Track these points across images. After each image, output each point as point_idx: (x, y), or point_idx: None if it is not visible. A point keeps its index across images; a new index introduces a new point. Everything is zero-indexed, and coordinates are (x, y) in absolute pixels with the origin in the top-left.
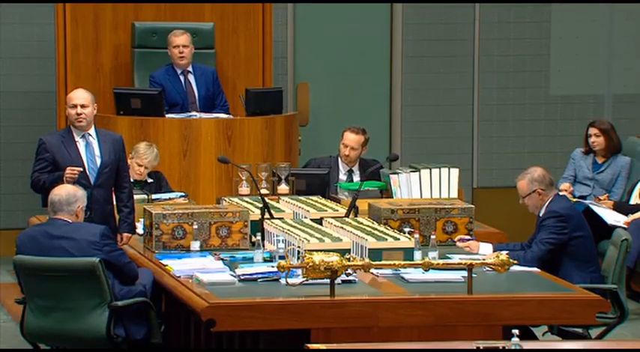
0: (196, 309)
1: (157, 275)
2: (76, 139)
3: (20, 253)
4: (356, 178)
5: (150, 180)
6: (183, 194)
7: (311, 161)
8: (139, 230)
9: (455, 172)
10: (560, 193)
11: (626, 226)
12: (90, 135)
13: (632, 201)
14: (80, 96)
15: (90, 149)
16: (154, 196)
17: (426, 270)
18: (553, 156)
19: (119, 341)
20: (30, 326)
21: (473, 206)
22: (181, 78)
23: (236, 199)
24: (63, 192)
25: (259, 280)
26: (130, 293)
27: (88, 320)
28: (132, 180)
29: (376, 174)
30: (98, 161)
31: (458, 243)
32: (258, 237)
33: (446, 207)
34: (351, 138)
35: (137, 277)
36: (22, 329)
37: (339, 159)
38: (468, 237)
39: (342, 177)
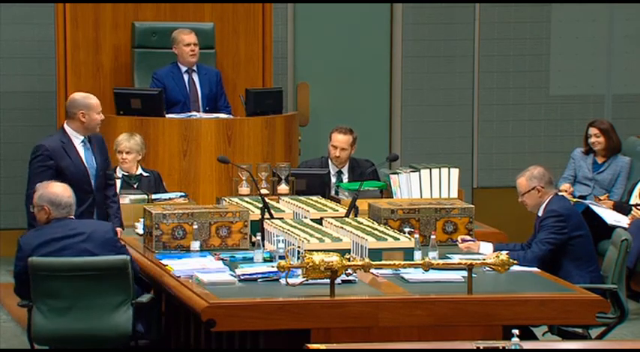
0: (196, 309)
1: (157, 275)
2: (76, 145)
3: (29, 255)
4: (345, 179)
5: (146, 174)
6: (183, 194)
7: (303, 163)
8: (139, 230)
9: (455, 172)
10: (560, 193)
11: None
12: (87, 139)
13: (632, 201)
14: None
15: (88, 154)
16: (154, 196)
17: (426, 270)
18: (553, 156)
19: (138, 337)
20: (41, 329)
21: (473, 206)
22: (185, 76)
23: (236, 199)
24: (69, 192)
25: (259, 280)
26: (140, 291)
27: (114, 318)
28: (125, 174)
29: (371, 174)
30: (95, 165)
31: (460, 245)
32: (258, 237)
33: (446, 207)
34: (340, 139)
35: (139, 273)
36: (29, 333)
37: (330, 160)
38: (469, 238)
39: (332, 178)
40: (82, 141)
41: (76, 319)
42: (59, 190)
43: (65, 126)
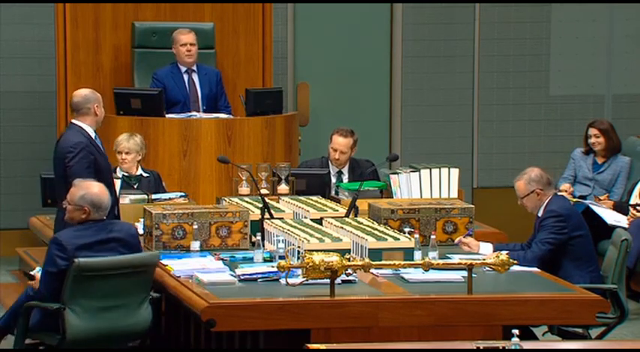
0: (196, 309)
1: (157, 275)
2: (94, 138)
3: (72, 256)
4: (345, 179)
5: (145, 175)
6: (183, 194)
7: (303, 163)
8: (139, 230)
9: (455, 172)
10: (560, 193)
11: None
12: (97, 134)
13: (632, 201)
14: None
15: (102, 149)
16: (154, 196)
17: (426, 270)
18: (553, 156)
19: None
20: (76, 331)
21: (473, 206)
22: (185, 77)
23: (236, 199)
24: (108, 193)
25: (259, 280)
26: None
27: (140, 313)
28: (125, 174)
29: (371, 175)
30: (108, 160)
31: (457, 241)
32: (258, 237)
33: (446, 207)
34: (340, 142)
35: None
36: (24, 335)
37: (330, 161)
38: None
39: (332, 178)
40: (95, 137)
41: (109, 317)
42: (99, 191)
43: (78, 123)
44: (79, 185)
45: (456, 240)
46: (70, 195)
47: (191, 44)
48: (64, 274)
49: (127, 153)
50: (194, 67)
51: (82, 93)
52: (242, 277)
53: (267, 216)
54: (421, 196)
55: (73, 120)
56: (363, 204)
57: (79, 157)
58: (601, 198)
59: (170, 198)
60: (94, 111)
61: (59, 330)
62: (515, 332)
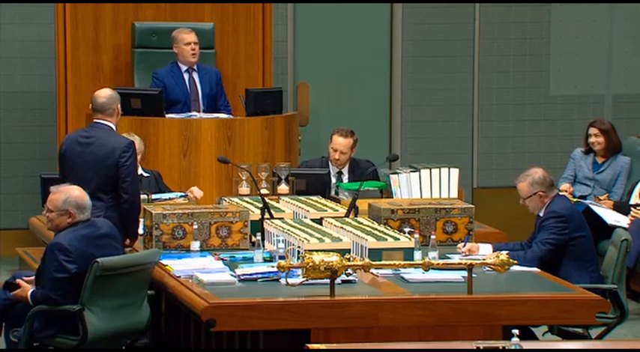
0: (196, 309)
1: (157, 275)
2: None
3: (78, 258)
4: (345, 179)
5: (146, 174)
6: (183, 194)
7: (303, 163)
8: (139, 230)
9: (455, 172)
10: (561, 194)
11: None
12: None
13: (632, 201)
14: None
15: None
16: (153, 196)
17: (426, 270)
18: (553, 156)
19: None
20: (96, 331)
21: (473, 206)
22: (185, 76)
23: (236, 199)
24: (85, 193)
25: (259, 280)
26: None
27: (142, 311)
28: None
29: (371, 175)
30: None
31: (459, 250)
32: (258, 237)
33: (446, 207)
34: (340, 142)
35: None
36: (30, 338)
37: (330, 161)
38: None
39: (332, 178)
40: None
41: (122, 316)
42: (79, 193)
43: (106, 123)
44: (57, 191)
45: (462, 249)
46: (52, 202)
47: (195, 43)
48: (76, 277)
49: None
50: (194, 67)
51: (106, 93)
52: (242, 277)
53: (267, 216)
54: (421, 196)
55: (100, 121)
56: (363, 204)
57: (134, 156)
58: (601, 198)
59: (170, 198)
60: (117, 111)
61: (70, 332)
62: (515, 332)
